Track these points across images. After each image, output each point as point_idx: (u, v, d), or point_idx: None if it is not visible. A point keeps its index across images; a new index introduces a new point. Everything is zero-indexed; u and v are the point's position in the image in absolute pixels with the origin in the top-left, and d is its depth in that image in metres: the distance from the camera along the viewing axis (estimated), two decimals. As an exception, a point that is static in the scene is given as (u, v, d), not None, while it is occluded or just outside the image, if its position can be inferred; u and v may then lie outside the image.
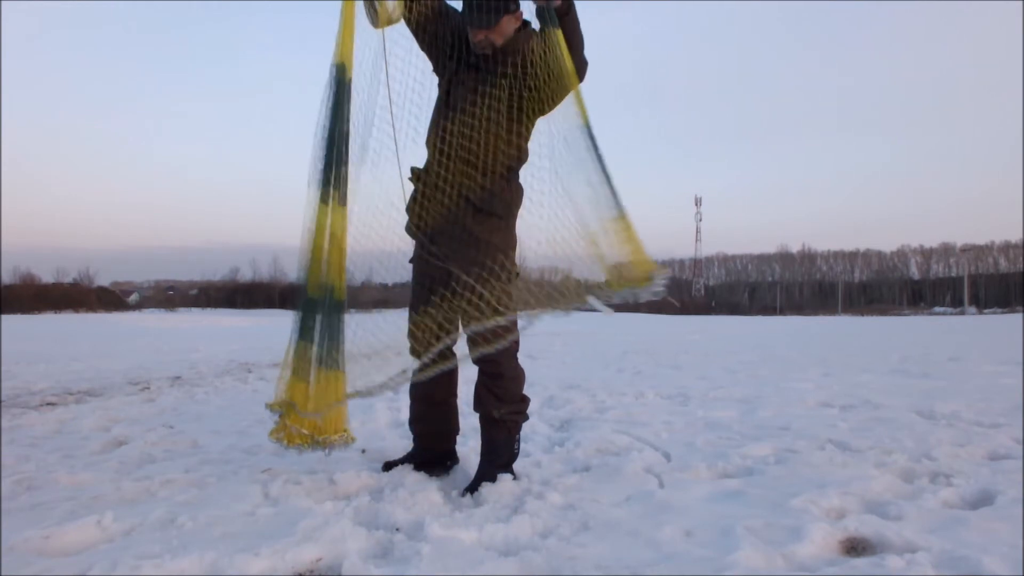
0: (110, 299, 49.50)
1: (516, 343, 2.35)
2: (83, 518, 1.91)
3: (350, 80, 2.24)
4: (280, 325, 23.24)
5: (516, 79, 2.24)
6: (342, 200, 2.21)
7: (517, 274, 2.33)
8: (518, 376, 2.38)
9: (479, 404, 2.37)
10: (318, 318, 2.20)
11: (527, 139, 2.33)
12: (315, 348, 2.20)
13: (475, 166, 2.26)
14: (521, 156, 2.33)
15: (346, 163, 2.22)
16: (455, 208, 2.26)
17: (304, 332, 2.22)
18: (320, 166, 2.21)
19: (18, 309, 34.27)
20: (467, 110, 2.26)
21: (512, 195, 2.32)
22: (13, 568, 1.60)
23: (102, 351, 9.37)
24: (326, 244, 2.18)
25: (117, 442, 3.14)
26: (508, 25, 2.27)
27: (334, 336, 2.21)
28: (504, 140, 2.26)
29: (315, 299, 2.21)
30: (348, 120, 2.23)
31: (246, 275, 61.86)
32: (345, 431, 2.32)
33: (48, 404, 4.38)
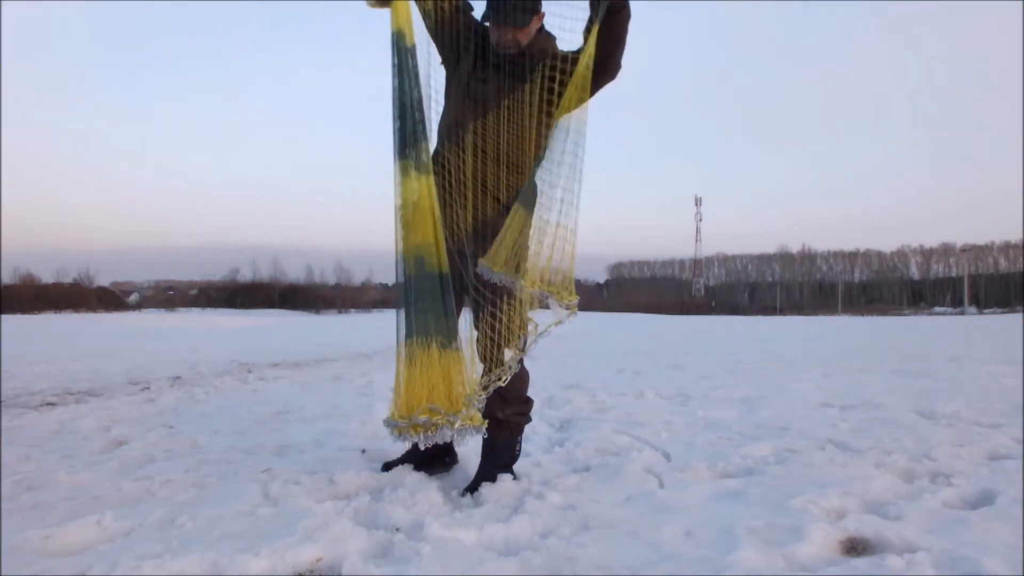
0: (110, 299, 49.48)
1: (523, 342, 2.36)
2: (83, 518, 1.91)
3: (413, 46, 2.17)
4: (280, 325, 23.26)
5: (545, 79, 2.25)
6: (424, 169, 2.12)
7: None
8: (523, 377, 2.39)
9: (484, 404, 2.36)
10: (424, 296, 2.06)
11: (548, 136, 2.35)
12: (428, 333, 2.04)
13: (506, 164, 2.27)
14: (542, 152, 2.35)
15: (425, 130, 2.14)
16: (482, 205, 2.27)
17: (418, 325, 2.05)
18: (397, 137, 2.14)
19: (18, 309, 34.26)
20: (497, 110, 2.26)
21: (535, 190, 2.35)
22: (13, 568, 1.60)
23: (102, 351, 9.37)
24: (413, 217, 2.08)
25: (117, 442, 3.14)
26: (534, 25, 2.28)
27: (445, 312, 2.06)
28: (532, 139, 2.28)
29: (415, 276, 2.08)
30: (418, 85, 2.16)
31: (246, 275, 61.82)
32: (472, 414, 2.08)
33: (48, 404, 4.38)
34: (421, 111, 2.16)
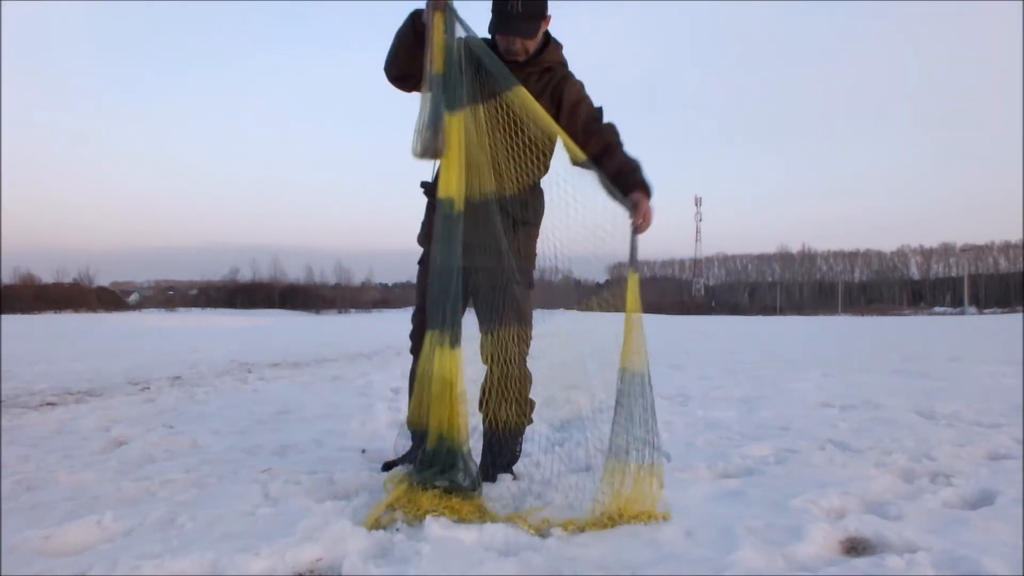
0: (110, 299, 49.49)
1: (528, 347, 2.37)
2: (83, 518, 1.91)
3: (460, 213, 2.12)
4: (280, 325, 23.27)
5: (551, 98, 2.25)
6: (455, 342, 2.09)
7: (531, 285, 2.40)
8: (526, 378, 2.40)
9: (485, 405, 2.37)
10: (437, 468, 2.05)
11: (552, 153, 2.36)
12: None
13: (509, 180, 2.27)
14: (547, 169, 2.37)
15: (461, 307, 2.12)
16: (491, 220, 2.26)
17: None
18: (437, 308, 2.11)
19: (18, 309, 34.26)
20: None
21: (539, 203, 2.38)
22: (13, 568, 1.60)
23: (102, 351, 9.37)
24: (439, 392, 2.06)
25: (117, 442, 3.14)
26: (541, 31, 2.28)
27: (462, 487, 2.05)
28: (534, 155, 2.27)
29: (434, 449, 2.07)
30: (460, 255, 2.11)
31: (246, 275, 61.80)
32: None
33: (48, 404, 4.38)
34: (462, 282, 2.12)
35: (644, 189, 2.16)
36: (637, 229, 2.13)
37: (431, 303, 2.13)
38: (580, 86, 2.33)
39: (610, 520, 1.93)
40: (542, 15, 2.25)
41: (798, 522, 1.89)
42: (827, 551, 1.76)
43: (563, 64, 2.36)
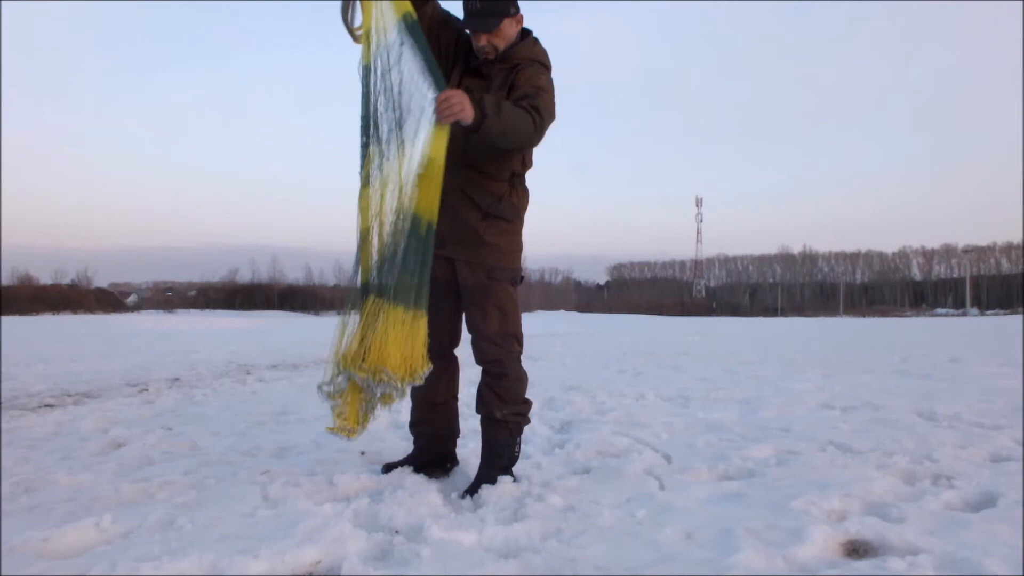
0: (108, 300, 49.48)
1: (520, 346, 2.37)
2: (82, 520, 1.91)
3: (368, 65, 2.17)
4: (279, 326, 23.26)
5: (507, 91, 2.23)
6: (397, 162, 2.10)
7: (522, 277, 2.39)
8: (521, 378, 2.40)
9: (482, 405, 2.37)
10: (386, 265, 2.07)
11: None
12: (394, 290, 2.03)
13: (483, 172, 2.27)
14: (524, 163, 2.36)
15: (379, 138, 2.13)
16: (462, 213, 2.26)
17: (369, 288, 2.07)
18: (360, 153, 2.15)
19: (16, 311, 34.25)
20: None
21: (519, 199, 2.35)
22: (12, 569, 1.60)
23: (100, 353, 9.36)
24: (389, 197, 2.09)
25: (116, 444, 3.13)
26: (509, 28, 2.27)
27: (421, 269, 2.04)
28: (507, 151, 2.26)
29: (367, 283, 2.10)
30: (376, 102, 2.15)
31: (245, 276, 61.77)
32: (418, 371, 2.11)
33: (46, 406, 4.38)
34: (375, 122, 2.14)
35: (475, 104, 2.06)
36: (437, 113, 2.06)
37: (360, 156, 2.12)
38: (532, 75, 2.24)
39: (366, 357, 2.03)
40: (504, 12, 2.23)
41: (799, 524, 1.89)
42: (828, 553, 1.75)
43: (538, 61, 2.31)
